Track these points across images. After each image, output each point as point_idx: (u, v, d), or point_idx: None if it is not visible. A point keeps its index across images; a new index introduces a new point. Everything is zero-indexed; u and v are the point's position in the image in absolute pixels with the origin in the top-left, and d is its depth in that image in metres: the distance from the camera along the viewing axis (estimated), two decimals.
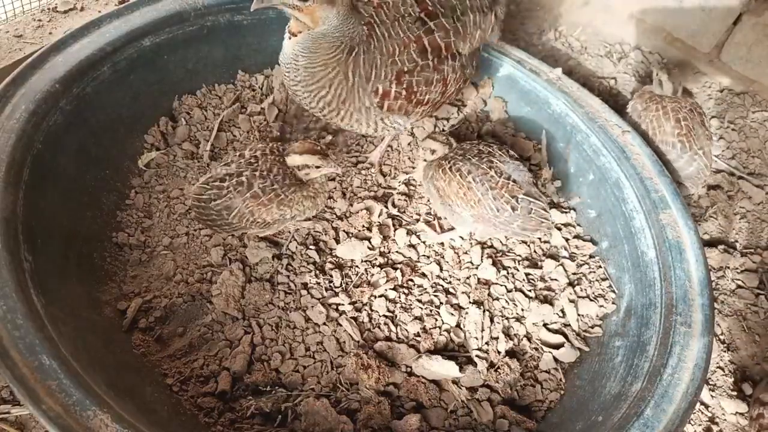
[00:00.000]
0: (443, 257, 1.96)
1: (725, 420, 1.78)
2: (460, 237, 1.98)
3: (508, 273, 1.95)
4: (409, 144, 2.27)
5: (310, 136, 2.23)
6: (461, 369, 1.68)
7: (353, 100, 1.70)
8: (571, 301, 1.91)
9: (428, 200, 2.05)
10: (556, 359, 1.80)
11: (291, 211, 1.73)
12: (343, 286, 1.84)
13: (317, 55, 1.60)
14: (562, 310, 1.89)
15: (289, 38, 1.62)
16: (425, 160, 1.96)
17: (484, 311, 1.83)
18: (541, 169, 2.22)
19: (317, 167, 1.73)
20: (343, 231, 1.97)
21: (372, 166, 2.19)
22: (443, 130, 2.27)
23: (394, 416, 1.60)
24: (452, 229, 1.98)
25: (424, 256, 1.96)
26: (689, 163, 2.11)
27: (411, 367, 1.70)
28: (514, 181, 1.78)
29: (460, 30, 1.78)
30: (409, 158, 2.24)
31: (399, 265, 1.91)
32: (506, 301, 1.88)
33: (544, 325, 1.86)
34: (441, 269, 1.93)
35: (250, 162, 1.71)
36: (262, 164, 1.71)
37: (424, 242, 1.99)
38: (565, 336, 1.84)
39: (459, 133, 2.34)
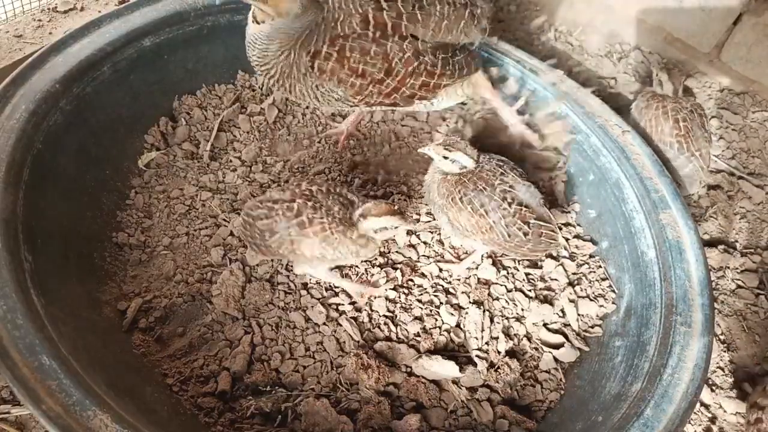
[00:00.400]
0: (443, 257, 1.96)
1: (725, 420, 1.78)
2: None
3: (508, 273, 1.95)
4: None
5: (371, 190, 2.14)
6: (461, 369, 1.68)
7: (294, 70, 1.72)
8: (571, 301, 1.90)
9: (427, 203, 2.03)
10: (556, 359, 1.80)
11: (334, 253, 1.65)
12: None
13: (274, 42, 1.67)
14: (562, 310, 1.89)
15: (253, 22, 1.68)
16: (446, 173, 1.80)
17: (484, 311, 1.83)
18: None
19: (395, 227, 1.67)
20: None
21: (329, 138, 2.19)
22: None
23: (394, 416, 1.60)
24: (469, 252, 1.94)
25: (424, 256, 1.96)
26: (685, 164, 2.12)
27: (411, 367, 1.70)
28: (527, 206, 1.74)
29: (418, 17, 1.73)
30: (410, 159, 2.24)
31: (399, 265, 1.91)
32: (506, 301, 1.88)
33: (544, 325, 1.86)
34: (441, 269, 1.93)
35: (305, 193, 1.66)
36: (319, 197, 1.66)
37: (424, 242, 1.98)
38: (565, 336, 1.84)
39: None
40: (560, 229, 1.79)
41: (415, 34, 1.75)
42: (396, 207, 1.65)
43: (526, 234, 1.72)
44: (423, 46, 1.76)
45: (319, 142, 2.24)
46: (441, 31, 1.77)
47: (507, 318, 1.86)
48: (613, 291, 1.93)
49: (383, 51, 1.71)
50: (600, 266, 2.00)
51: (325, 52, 1.68)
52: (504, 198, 1.72)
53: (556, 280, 1.96)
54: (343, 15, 1.68)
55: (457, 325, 1.81)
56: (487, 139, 2.19)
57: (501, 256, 1.98)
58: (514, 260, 1.97)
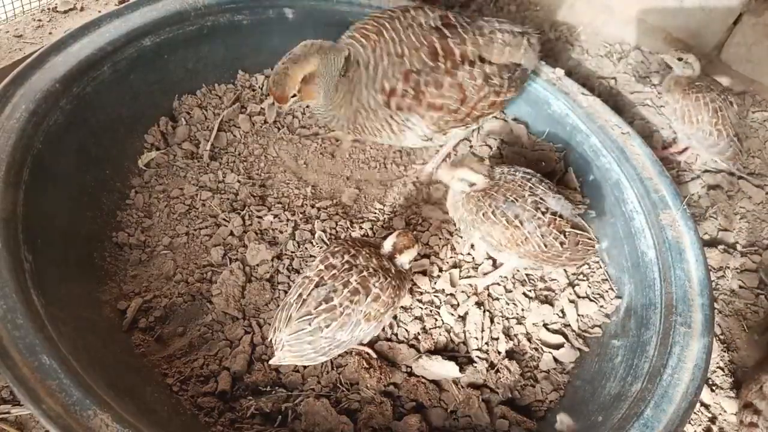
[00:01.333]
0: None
1: (725, 420, 1.78)
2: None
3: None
4: None
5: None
6: (461, 369, 1.68)
7: (361, 112, 1.78)
8: (571, 301, 1.91)
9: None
10: (556, 359, 1.80)
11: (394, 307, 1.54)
12: None
13: (323, 107, 1.79)
14: (562, 311, 1.89)
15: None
16: (463, 192, 1.75)
17: (484, 311, 1.83)
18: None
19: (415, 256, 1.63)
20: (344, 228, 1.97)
21: (417, 179, 2.17)
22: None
23: (394, 416, 1.60)
24: (498, 265, 1.92)
25: (424, 256, 1.96)
26: (726, 148, 2.28)
27: (411, 367, 1.70)
28: (561, 216, 1.71)
29: (480, 42, 1.80)
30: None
31: None
32: (506, 302, 1.88)
33: (544, 325, 1.86)
34: (441, 269, 1.92)
35: (347, 265, 1.48)
36: (360, 260, 1.50)
37: (425, 243, 1.98)
38: (565, 336, 1.85)
39: None
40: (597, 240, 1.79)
41: (482, 55, 1.81)
42: (411, 235, 1.59)
43: (563, 243, 1.69)
44: (491, 69, 1.83)
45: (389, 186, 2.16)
46: (505, 55, 1.87)
47: (507, 318, 1.86)
48: (613, 291, 1.93)
49: (457, 82, 1.77)
50: (600, 267, 2.00)
51: (402, 89, 1.72)
52: (537, 208, 1.68)
53: (555, 280, 1.96)
54: (408, 49, 1.72)
55: (457, 326, 1.81)
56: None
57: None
58: None
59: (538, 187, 1.73)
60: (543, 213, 1.68)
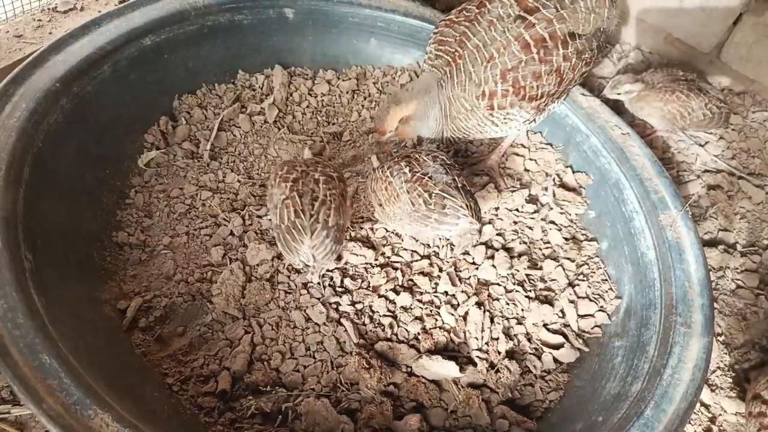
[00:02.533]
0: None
1: (725, 420, 1.78)
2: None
3: (508, 274, 1.94)
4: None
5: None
6: (461, 369, 1.68)
7: (453, 114, 1.85)
8: (571, 301, 1.91)
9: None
10: (556, 359, 1.80)
11: None
12: (344, 285, 1.84)
13: (428, 123, 1.94)
14: (562, 311, 1.89)
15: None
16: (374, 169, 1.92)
17: (484, 311, 1.83)
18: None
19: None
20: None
21: (492, 170, 2.20)
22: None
23: (394, 416, 1.60)
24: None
25: (424, 256, 1.96)
26: (719, 119, 2.37)
27: (411, 367, 1.70)
28: (431, 177, 1.75)
29: (565, 16, 1.75)
30: None
31: (399, 265, 1.90)
32: (506, 302, 1.88)
33: (544, 325, 1.86)
34: (441, 269, 1.93)
35: (302, 173, 1.71)
36: (304, 167, 1.74)
37: (425, 244, 1.98)
38: (565, 336, 1.85)
39: None
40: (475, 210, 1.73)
41: (572, 30, 1.77)
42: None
43: (426, 203, 1.70)
44: (581, 45, 1.79)
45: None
46: (591, 24, 1.80)
47: (507, 318, 1.86)
48: (613, 291, 1.93)
49: (553, 68, 1.75)
50: (600, 267, 2.00)
51: (502, 90, 1.73)
52: (411, 169, 1.75)
53: (555, 280, 1.96)
54: (499, 46, 1.72)
55: (457, 326, 1.81)
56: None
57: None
58: (513, 261, 1.97)
59: (427, 159, 1.81)
60: (413, 172, 1.75)
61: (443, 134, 1.92)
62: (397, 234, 1.98)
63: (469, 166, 2.23)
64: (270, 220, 1.95)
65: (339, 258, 1.86)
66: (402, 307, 1.82)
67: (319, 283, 1.82)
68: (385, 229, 1.99)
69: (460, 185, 1.73)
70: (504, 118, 1.83)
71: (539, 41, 1.71)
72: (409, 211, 1.73)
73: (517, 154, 2.28)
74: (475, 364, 1.73)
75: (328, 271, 1.85)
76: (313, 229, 1.60)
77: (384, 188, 1.79)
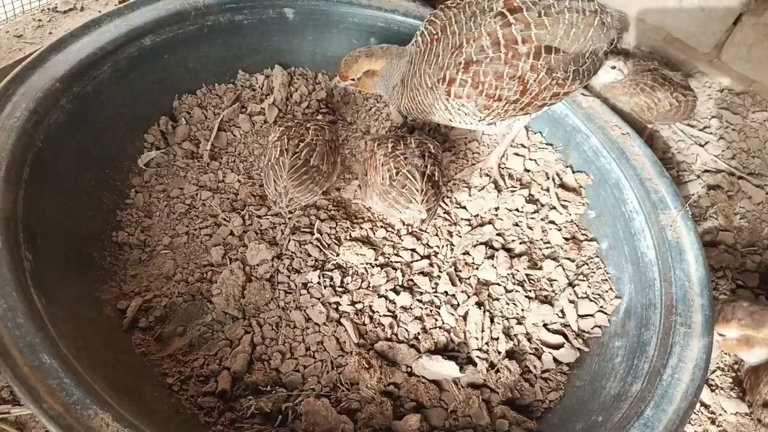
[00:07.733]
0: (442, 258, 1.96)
1: (725, 420, 1.78)
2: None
3: (508, 273, 1.94)
4: None
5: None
6: (461, 369, 1.68)
7: (416, 90, 1.84)
8: (571, 301, 1.91)
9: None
10: (556, 359, 1.80)
11: None
12: (344, 285, 1.84)
13: (383, 93, 1.97)
14: (562, 311, 1.89)
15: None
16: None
17: (484, 311, 1.83)
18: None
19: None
20: (343, 228, 1.97)
21: (492, 170, 2.21)
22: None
23: (394, 416, 1.60)
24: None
25: (424, 256, 1.96)
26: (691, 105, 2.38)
27: (411, 367, 1.70)
28: (405, 158, 1.82)
29: (546, 24, 1.68)
30: None
31: (399, 265, 1.90)
32: (506, 302, 1.88)
33: (544, 325, 1.86)
34: (441, 269, 1.93)
35: (297, 125, 1.91)
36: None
37: (425, 244, 1.98)
38: (565, 336, 1.85)
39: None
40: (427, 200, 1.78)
41: (547, 44, 1.69)
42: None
43: (392, 179, 1.78)
44: (555, 62, 1.71)
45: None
46: (569, 39, 1.71)
47: (507, 318, 1.86)
48: (613, 291, 1.93)
49: (517, 73, 1.70)
50: (600, 267, 2.00)
51: (460, 80, 1.72)
52: (394, 147, 1.86)
53: (555, 280, 1.96)
54: (470, 37, 1.70)
55: (457, 326, 1.81)
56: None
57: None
58: (513, 261, 1.97)
59: (413, 143, 1.91)
60: (394, 149, 1.85)
61: (400, 101, 1.92)
62: (397, 234, 1.98)
63: (470, 166, 2.23)
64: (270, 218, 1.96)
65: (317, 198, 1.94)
66: (402, 307, 1.82)
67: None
68: (385, 229, 1.99)
69: (429, 173, 1.79)
70: (458, 108, 1.80)
71: (510, 42, 1.67)
72: (379, 183, 1.82)
73: (517, 154, 2.28)
74: (475, 364, 1.73)
75: (328, 271, 1.85)
76: (293, 164, 1.77)
77: (369, 157, 1.89)
